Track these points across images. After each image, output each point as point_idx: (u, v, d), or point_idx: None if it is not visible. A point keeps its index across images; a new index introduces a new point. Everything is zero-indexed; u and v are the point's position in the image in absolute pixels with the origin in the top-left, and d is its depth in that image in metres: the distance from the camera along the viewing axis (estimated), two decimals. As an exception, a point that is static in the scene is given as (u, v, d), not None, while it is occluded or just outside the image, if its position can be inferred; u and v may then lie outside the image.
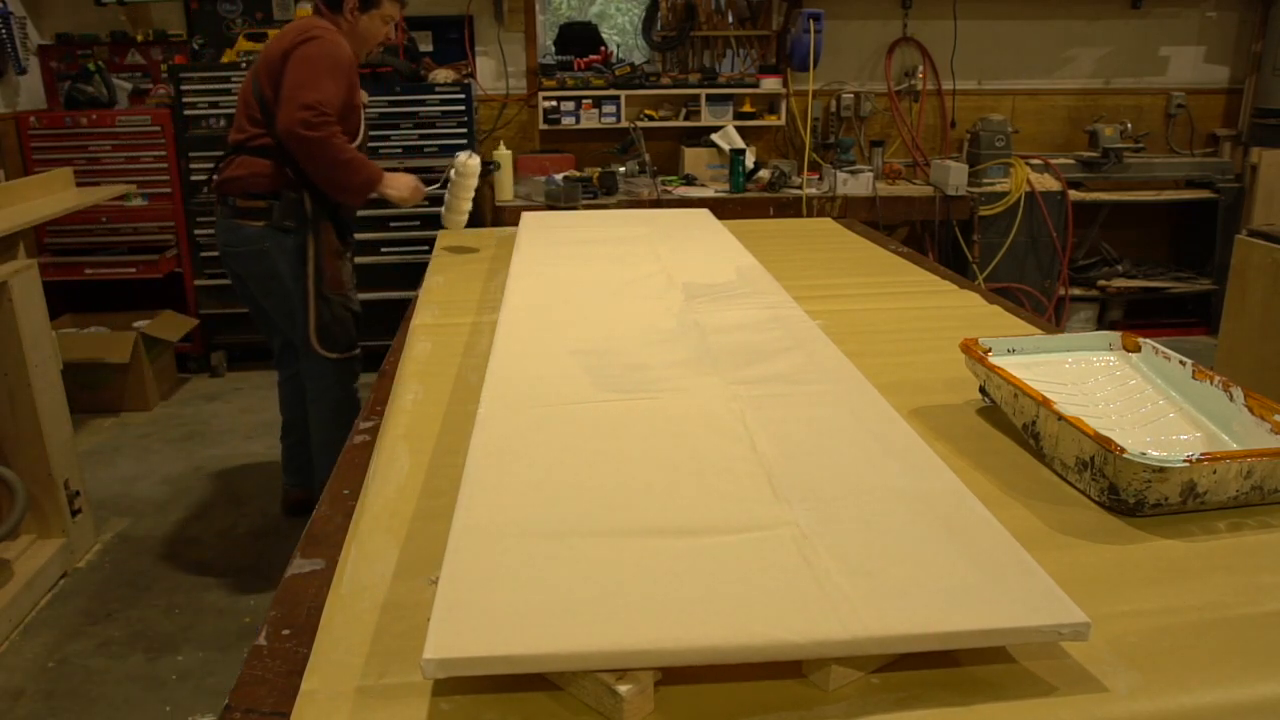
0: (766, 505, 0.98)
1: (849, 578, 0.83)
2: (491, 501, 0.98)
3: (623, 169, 4.55)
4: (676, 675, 0.79)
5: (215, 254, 3.14)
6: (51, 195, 2.98)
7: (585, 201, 4.17)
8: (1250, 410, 1.21)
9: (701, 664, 0.77)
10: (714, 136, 4.67)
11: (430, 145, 4.26)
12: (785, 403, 1.25)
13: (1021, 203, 4.56)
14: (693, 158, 4.72)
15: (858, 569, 0.85)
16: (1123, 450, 1.05)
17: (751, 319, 1.62)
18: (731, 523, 0.94)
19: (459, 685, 0.80)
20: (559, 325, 1.60)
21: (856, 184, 4.51)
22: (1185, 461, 1.04)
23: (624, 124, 4.62)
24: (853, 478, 1.04)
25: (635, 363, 1.40)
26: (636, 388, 1.30)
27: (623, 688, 0.74)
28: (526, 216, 2.64)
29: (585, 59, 4.72)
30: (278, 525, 3.09)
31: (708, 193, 4.45)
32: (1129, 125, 4.84)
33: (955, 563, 0.86)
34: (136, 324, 4.18)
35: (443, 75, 4.34)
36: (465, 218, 2.79)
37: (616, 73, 4.64)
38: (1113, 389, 1.39)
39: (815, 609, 0.79)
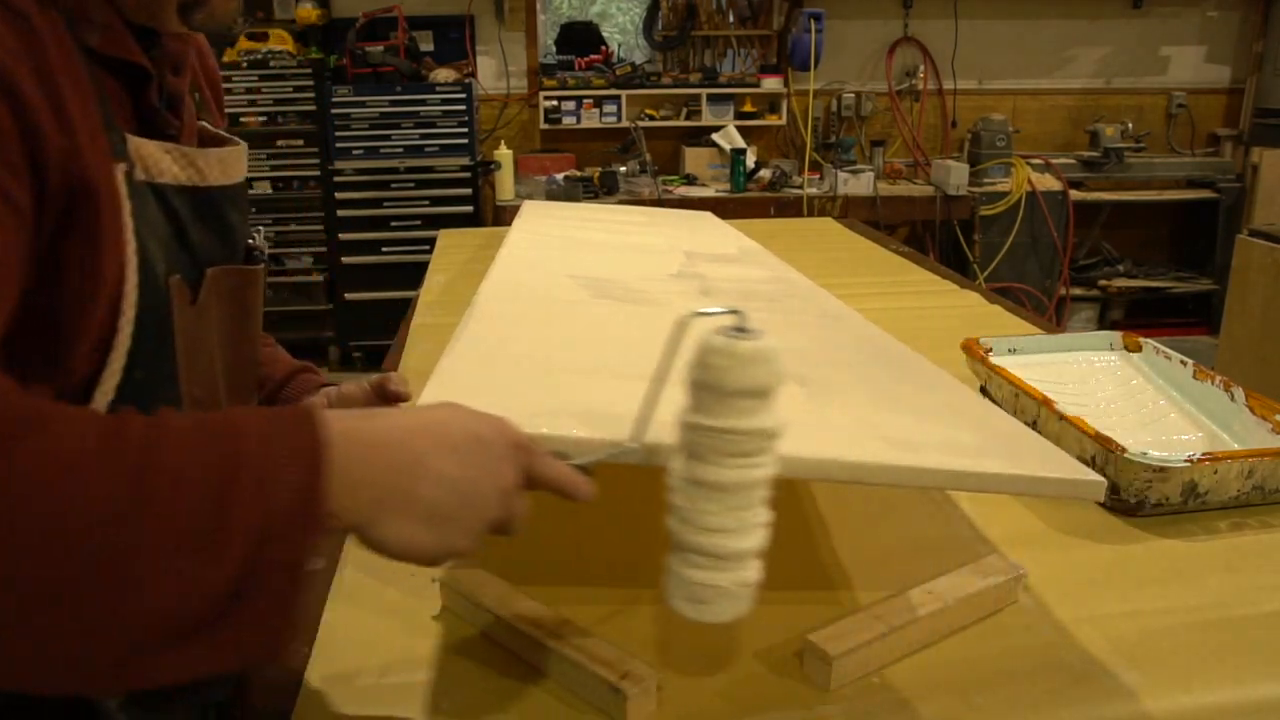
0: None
1: (860, 426, 0.80)
2: (485, 345, 0.96)
3: (623, 169, 4.55)
4: (678, 675, 0.79)
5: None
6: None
7: (586, 200, 4.17)
8: (1251, 410, 1.21)
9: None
10: (715, 136, 4.67)
11: (431, 145, 4.25)
12: (788, 323, 1.23)
13: (1022, 202, 4.56)
14: (693, 157, 4.72)
15: (867, 422, 0.82)
16: (1124, 450, 1.05)
17: (755, 275, 1.60)
18: None
19: (459, 685, 0.80)
20: (557, 262, 1.58)
21: (857, 184, 4.51)
22: (1186, 461, 1.04)
23: (625, 124, 4.62)
24: (858, 372, 1.02)
25: (635, 288, 1.37)
26: (635, 300, 1.27)
27: (626, 686, 0.74)
28: (527, 204, 2.63)
29: (586, 58, 4.72)
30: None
31: (708, 192, 4.44)
32: (1130, 125, 4.83)
33: (970, 433, 0.85)
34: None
35: (444, 75, 4.34)
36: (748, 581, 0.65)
37: (617, 72, 4.64)
38: (1114, 389, 1.39)
39: (824, 438, 0.76)
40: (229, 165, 0.76)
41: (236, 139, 0.80)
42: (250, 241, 0.81)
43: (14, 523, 0.44)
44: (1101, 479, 0.77)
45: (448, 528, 0.58)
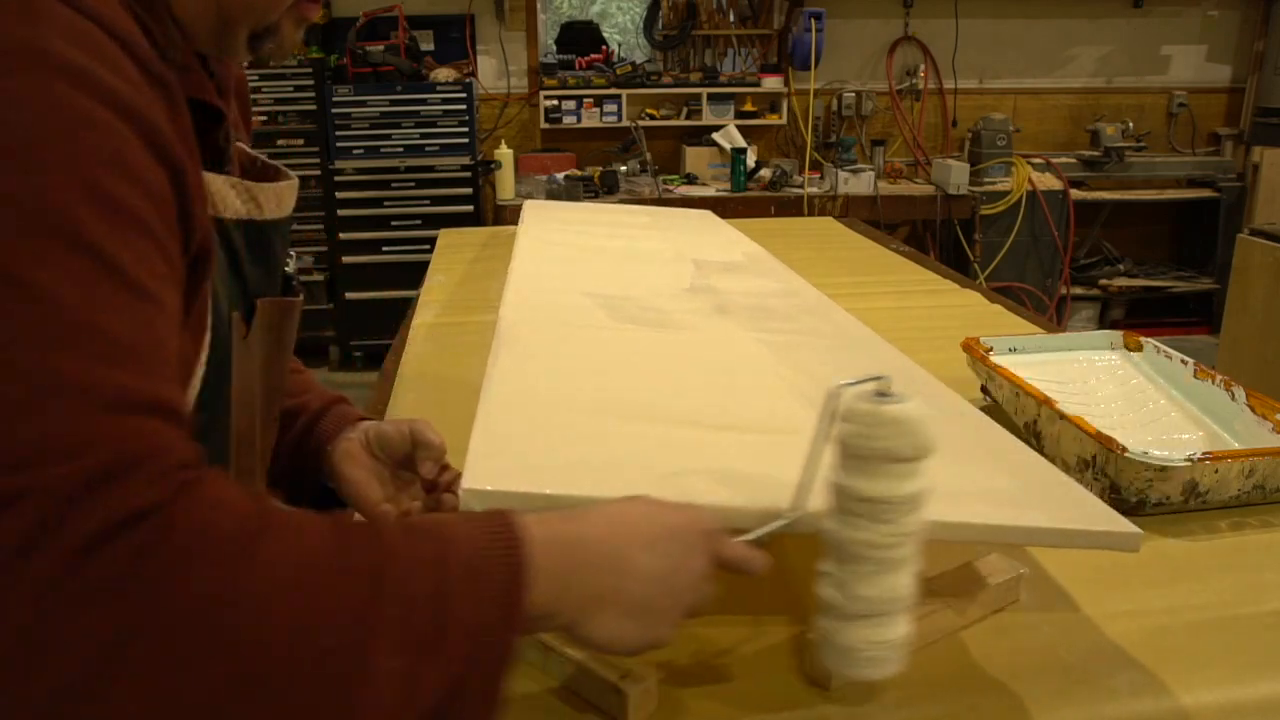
0: (799, 411, 0.95)
1: None
2: (520, 383, 0.96)
3: (624, 168, 4.55)
4: (679, 674, 0.79)
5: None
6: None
7: (587, 199, 4.17)
8: (1252, 409, 1.21)
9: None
10: (715, 135, 4.67)
11: (432, 144, 4.26)
12: (809, 348, 1.23)
13: (1023, 202, 4.56)
14: (694, 157, 4.71)
15: None
16: (1124, 449, 1.05)
17: (766, 288, 1.59)
18: (760, 425, 0.92)
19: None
20: (570, 276, 1.58)
21: (858, 183, 4.50)
22: (1187, 461, 1.04)
23: (625, 123, 4.62)
24: None
25: (651, 306, 1.37)
26: (655, 323, 1.28)
27: (626, 685, 0.74)
28: (529, 204, 2.63)
29: (586, 58, 4.72)
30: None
31: (709, 192, 4.44)
32: (1130, 124, 4.83)
33: (1001, 478, 0.86)
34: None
35: (444, 74, 4.34)
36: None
37: (618, 72, 4.63)
38: (1114, 388, 1.39)
39: None
40: (284, 199, 0.76)
41: (290, 173, 0.79)
42: (286, 270, 0.80)
43: (258, 622, 0.45)
44: (1139, 531, 0.77)
45: (650, 619, 0.61)
